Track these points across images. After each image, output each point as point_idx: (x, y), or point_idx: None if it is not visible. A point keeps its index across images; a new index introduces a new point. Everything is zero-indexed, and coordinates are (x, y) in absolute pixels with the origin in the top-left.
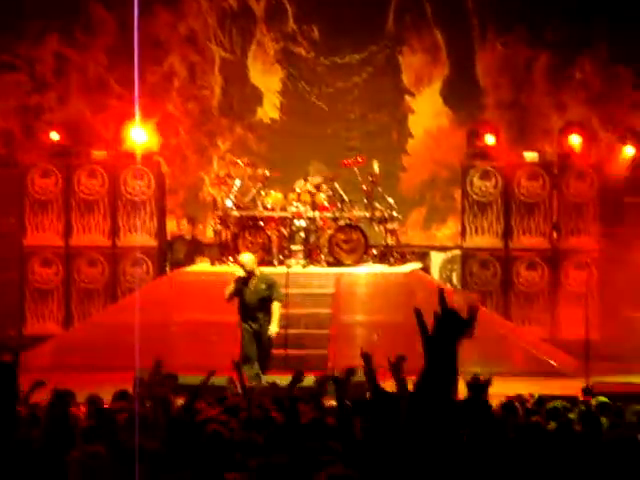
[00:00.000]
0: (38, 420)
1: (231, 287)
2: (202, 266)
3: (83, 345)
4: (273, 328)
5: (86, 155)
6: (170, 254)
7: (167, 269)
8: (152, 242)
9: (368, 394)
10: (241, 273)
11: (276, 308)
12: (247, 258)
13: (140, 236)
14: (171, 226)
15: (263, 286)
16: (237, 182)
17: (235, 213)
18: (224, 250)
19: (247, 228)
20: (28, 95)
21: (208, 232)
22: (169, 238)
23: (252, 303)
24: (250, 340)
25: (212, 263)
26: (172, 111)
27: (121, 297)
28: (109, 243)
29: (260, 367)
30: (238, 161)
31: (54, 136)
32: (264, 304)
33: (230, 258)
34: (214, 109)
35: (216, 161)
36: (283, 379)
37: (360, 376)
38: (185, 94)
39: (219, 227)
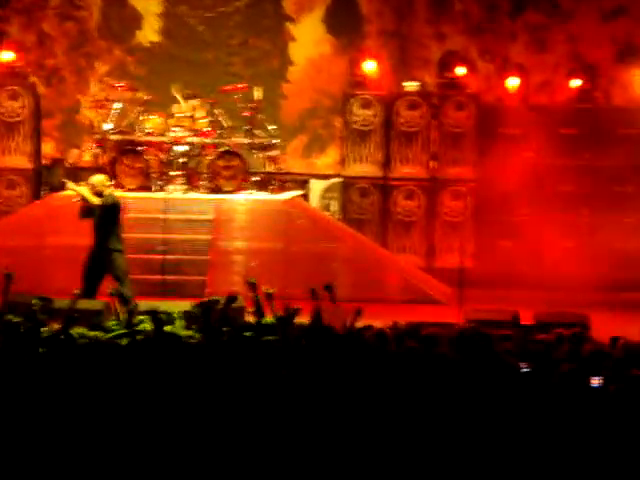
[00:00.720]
0: None
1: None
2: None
3: None
4: (72, 184)
5: None
6: (46, 178)
7: (42, 193)
8: (27, 165)
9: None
10: (87, 193)
11: (92, 197)
12: (95, 179)
13: (15, 158)
14: (47, 149)
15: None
16: (116, 105)
17: (113, 137)
18: (105, 173)
19: (125, 153)
20: None
21: (85, 156)
22: (45, 161)
23: (95, 224)
24: (86, 262)
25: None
26: (49, 31)
27: None
28: None
29: (123, 293)
30: (117, 84)
31: None
32: (104, 226)
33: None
34: (92, 30)
35: (94, 84)
36: (161, 305)
37: (240, 302)
38: (62, 14)
39: (97, 151)
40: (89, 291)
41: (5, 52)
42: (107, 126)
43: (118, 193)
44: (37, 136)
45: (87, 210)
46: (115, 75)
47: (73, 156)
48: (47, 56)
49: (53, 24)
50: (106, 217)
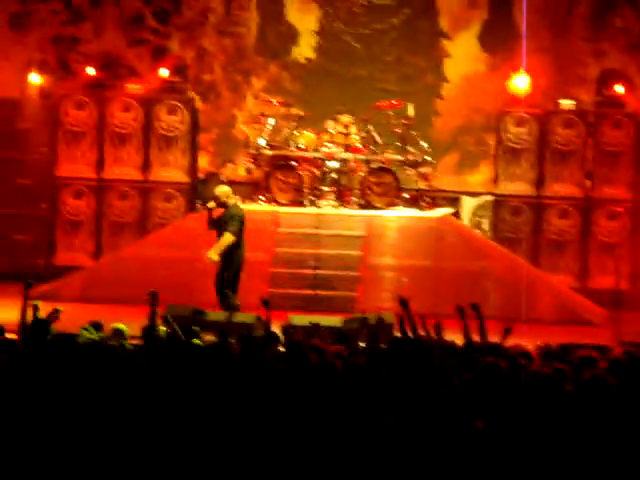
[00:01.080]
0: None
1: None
2: None
3: (112, 278)
4: (210, 253)
5: (121, 88)
6: (201, 191)
7: (197, 206)
8: (183, 178)
9: (401, 337)
10: (213, 204)
11: (224, 237)
12: (220, 190)
13: (172, 172)
14: (203, 163)
15: (225, 218)
16: (270, 121)
17: (267, 152)
18: (255, 189)
19: (279, 167)
20: (64, 25)
21: (240, 170)
22: (200, 175)
23: (218, 235)
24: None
25: (243, 202)
26: (207, 47)
27: (151, 232)
28: (141, 177)
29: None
30: (272, 100)
31: (89, 70)
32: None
33: (261, 197)
34: (249, 46)
35: (250, 99)
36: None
37: (389, 319)
38: (221, 30)
39: (251, 166)
40: (228, 303)
41: (165, 68)
42: (261, 141)
43: (271, 208)
44: (193, 150)
45: (214, 221)
46: (270, 90)
47: (215, 166)
48: (205, 71)
49: (212, 40)
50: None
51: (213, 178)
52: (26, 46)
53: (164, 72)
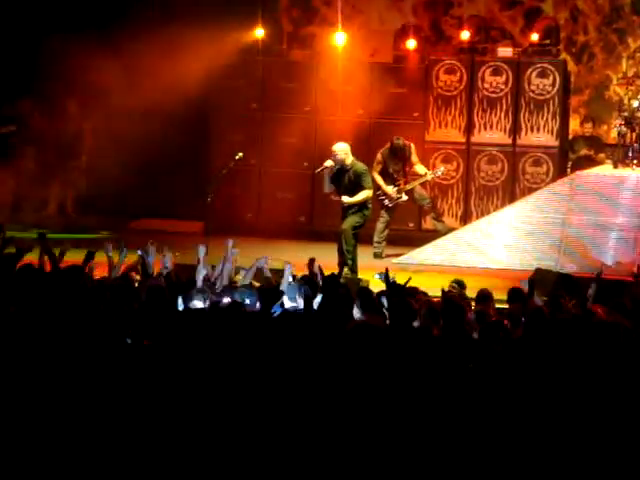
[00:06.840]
0: None
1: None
2: (603, 168)
3: (476, 243)
4: (347, 198)
5: (491, 52)
6: (571, 154)
7: (568, 170)
8: (553, 142)
9: None
10: (329, 163)
11: (365, 193)
12: (338, 147)
13: (541, 135)
14: (573, 125)
15: (352, 177)
16: None
17: None
18: (628, 152)
19: None
20: None
21: (612, 133)
22: (571, 138)
23: (340, 192)
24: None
25: (615, 166)
26: (582, 7)
27: (520, 196)
28: (509, 141)
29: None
30: None
31: (464, 33)
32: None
33: (634, 161)
34: (626, 6)
35: (625, 60)
36: None
37: None
38: None
39: (624, 128)
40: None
41: (537, 30)
42: (635, 103)
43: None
44: (564, 113)
45: (333, 179)
46: None
47: (587, 128)
48: (578, 32)
49: (587, 0)
50: (350, 186)
51: (580, 140)
52: (401, 11)
53: (534, 36)
